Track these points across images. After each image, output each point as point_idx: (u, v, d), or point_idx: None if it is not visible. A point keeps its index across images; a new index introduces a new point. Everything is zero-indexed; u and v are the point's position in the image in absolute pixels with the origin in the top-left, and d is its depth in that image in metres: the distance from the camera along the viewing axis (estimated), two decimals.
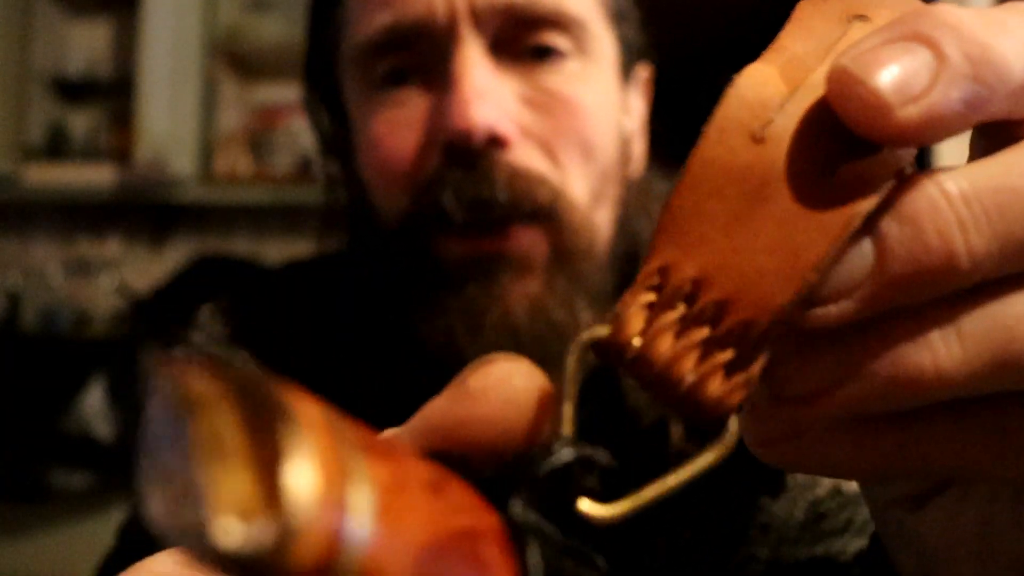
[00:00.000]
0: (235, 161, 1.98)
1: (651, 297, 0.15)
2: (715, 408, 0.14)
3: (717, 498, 0.43)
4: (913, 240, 0.15)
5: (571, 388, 0.15)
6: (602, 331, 0.15)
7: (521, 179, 0.43)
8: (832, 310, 0.15)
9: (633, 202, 0.49)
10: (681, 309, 0.14)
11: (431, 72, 0.45)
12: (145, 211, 1.98)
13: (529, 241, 0.44)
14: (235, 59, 1.99)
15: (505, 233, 0.43)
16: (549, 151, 0.45)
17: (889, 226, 0.15)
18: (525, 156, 0.44)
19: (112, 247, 2.05)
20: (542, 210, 0.44)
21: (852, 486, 0.42)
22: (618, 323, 0.14)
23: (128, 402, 1.68)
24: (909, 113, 0.15)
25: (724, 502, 0.43)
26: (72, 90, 2.06)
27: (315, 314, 0.52)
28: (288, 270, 0.57)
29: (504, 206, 0.43)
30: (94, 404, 1.70)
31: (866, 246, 0.15)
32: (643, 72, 0.54)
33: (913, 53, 0.15)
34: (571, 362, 0.15)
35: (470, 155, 0.43)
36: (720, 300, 0.14)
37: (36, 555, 1.64)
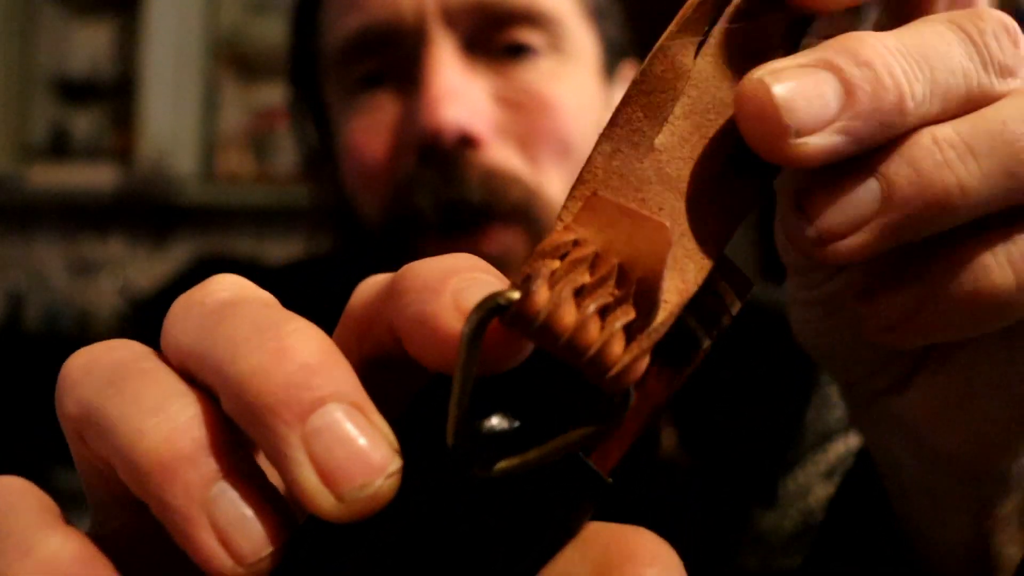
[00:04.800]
0: (237, 161, 1.99)
1: (555, 265, 0.14)
2: (619, 379, 0.14)
3: (709, 509, 0.44)
4: (914, 178, 0.17)
5: (465, 354, 0.14)
6: (508, 295, 0.14)
7: (496, 178, 0.43)
8: (846, 244, 0.17)
9: None
10: (585, 277, 0.14)
11: (404, 74, 0.45)
12: (147, 211, 1.98)
13: (507, 241, 0.43)
14: (237, 60, 1.99)
15: (482, 233, 0.43)
16: (525, 149, 0.44)
17: (895, 167, 0.17)
18: (499, 155, 0.44)
19: (114, 247, 2.05)
20: (517, 210, 0.43)
21: None
22: (527, 290, 0.14)
23: None
24: (809, 146, 0.16)
25: (717, 515, 0.43)
26: (74, 91, 2.07)
27: (309, 313, 0.52)
28: (287, 270, 0.57)
29: (478, 206, 0.43)
30: None
31: (872, 185, 0.17)
32: (630, 70, 0.54)
33: (822, 81, 0.16)
34: (469, 327, 0.14)
35: (442, 155, 0.43)
36: (619, 264, 0.15)
37: None
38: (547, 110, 0.45)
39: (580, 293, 0.14)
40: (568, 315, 0.14)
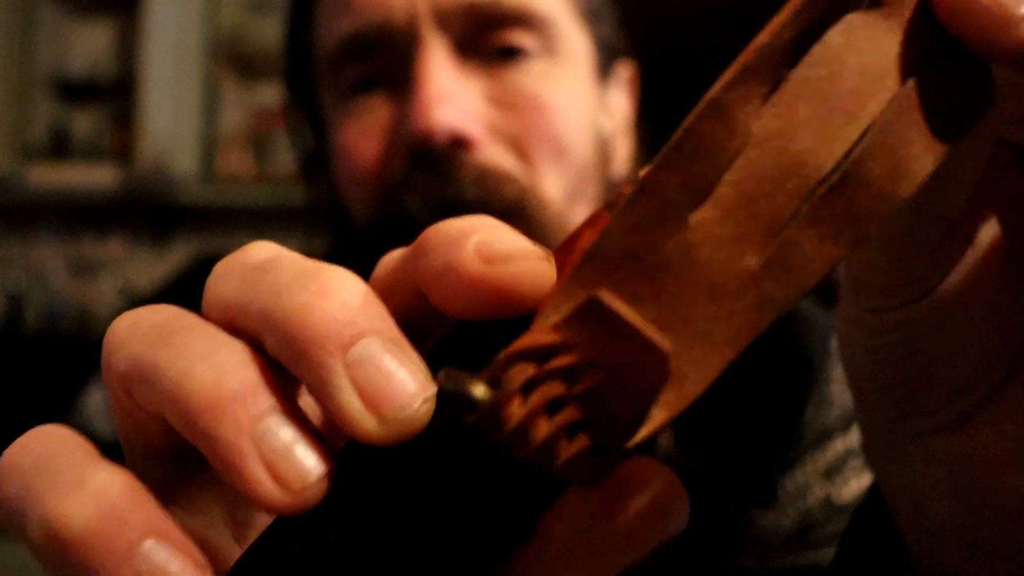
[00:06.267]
0: (237, 161, 1.99)
1: (531, 371, 0.13)
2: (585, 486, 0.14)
3: (708, 510, 0.44)
4: None
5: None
6: (477, 396, 0.13)
7: (489, 177, 0.43)
8: None
9: None
10: (561, 389, 0.13)
11: (396, 77, 0.45)
12: (147, 211, 1.99)
13: None
14: (237, 60, 1.99)
15: None
16: (519, 149, 0.44)
17: None
18: (493, 155, 0.44)
19: (114, 247, 2.05)
20: (512, 208, 0.43)
21: (843, 497, 0.43)
22: (496, 400, 0.13)
23: None
24: None
25: (715, 514, 0.44)
26: (74, 91, 2.07)
27: None
28: None
29: (471, 206, 0.43)
30: (96, 403, 1.71)
31: None
32: (625, 71, 0.54)
33: None
34: (432, 401, 0.14)
35: (434, 157, 0.43)
36: (604, 382, 0.13)
37: None
38: (540, 110, 0.45)
39: (554, 405, 0.13)
40: (538, 430, 0.13)
